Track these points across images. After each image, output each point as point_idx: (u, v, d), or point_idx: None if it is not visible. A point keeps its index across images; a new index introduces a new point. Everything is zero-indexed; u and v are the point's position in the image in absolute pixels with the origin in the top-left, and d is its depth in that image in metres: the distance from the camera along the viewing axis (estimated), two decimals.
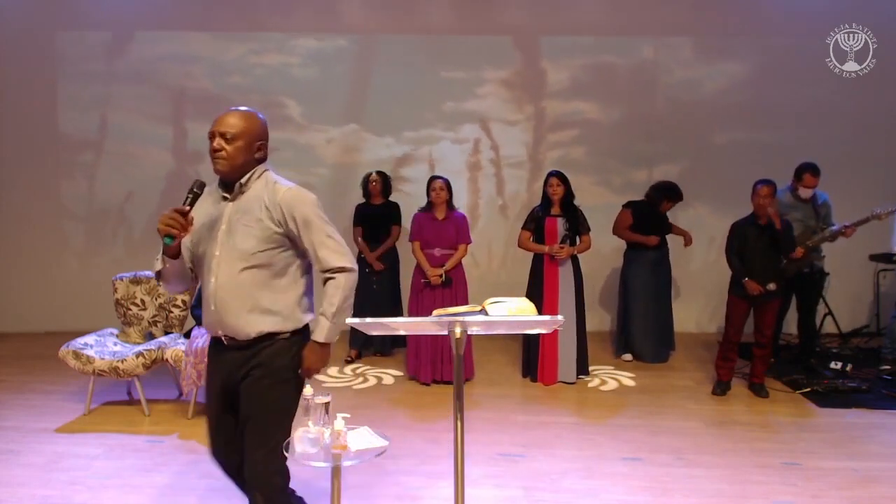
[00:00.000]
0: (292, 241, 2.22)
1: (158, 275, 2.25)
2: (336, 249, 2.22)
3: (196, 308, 4.34)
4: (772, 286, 4.50)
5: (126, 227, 6.69)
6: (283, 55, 6.55)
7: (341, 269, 2.21)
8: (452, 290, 4.84)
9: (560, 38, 6.52)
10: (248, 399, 2.23)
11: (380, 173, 5.62)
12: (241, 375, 2.23)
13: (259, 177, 2.25)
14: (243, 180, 2.22)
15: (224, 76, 6.56)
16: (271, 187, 2.23)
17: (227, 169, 2.17)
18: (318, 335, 2.22)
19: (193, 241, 2.25)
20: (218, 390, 2.31)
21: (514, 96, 6.59)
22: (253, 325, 2.19)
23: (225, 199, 2.23)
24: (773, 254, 4.53)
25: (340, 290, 2.20)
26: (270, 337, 2.21)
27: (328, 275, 2.22)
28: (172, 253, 2.14)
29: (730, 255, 4.64)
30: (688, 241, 5.66)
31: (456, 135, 6.62)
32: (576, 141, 6.59)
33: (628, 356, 5.56)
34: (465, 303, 4.67)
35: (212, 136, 2.18)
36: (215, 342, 2.33)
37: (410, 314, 4.87)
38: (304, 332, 2.30)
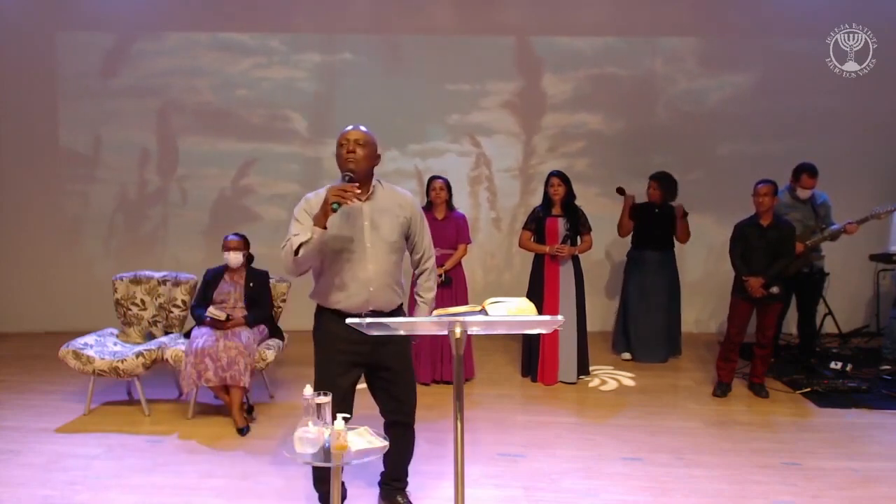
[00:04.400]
0: (409, 234, 2.85)
1: (299, 249, 2.57)
2: (431, 244, 2.98)
3: (197, 308, 4.34)
4: (775, 289, 4.50)
5: (126, 227, 6.69)
6: (288, 69, 6.55)
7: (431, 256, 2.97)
8: (452, 289, 4.84)
9: (563, 49, 6.51)
10: (399, 355, 2.84)
11: None
12: (387, 340, 2.71)
13: (379, 183, 2.80)
14: (373, 184, 2.76)
15: (230, 90, 6.56)
16: (398, 192, 2.85)
17: (357, 168, 2.65)
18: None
19: (334, 233, 2.64)
20: (353, 358, 2.77)
21: (519, 108, 6.58)
22: (395, 299, 2.82)
23: (358, 199, 2.66)
24: (775, 254, 4.53)
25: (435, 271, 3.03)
26: (399, 307, 2.86)
27: (430, 263, 2.95)
28: (325, 224, 2.55)
29: (733, 257, 4.64)
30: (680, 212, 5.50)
31: (461, 147, 6.63)
32: (580, 152, 6.59)
33: (627, 355, 5.57)
34: (465, 303, 4.67)
35: (345, 143, 2.69)
36: (344, 317, 2.59)
37: (410, 314, 4.86)
38: None
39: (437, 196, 4.88)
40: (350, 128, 2.74)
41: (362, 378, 2.88)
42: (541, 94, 6.57)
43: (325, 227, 2.56)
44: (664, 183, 5.44)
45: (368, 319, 2.25)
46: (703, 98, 6.54)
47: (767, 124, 6.48)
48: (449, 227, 4.89)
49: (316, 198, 2.72)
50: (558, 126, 6.60)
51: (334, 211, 2.49)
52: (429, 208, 4.94)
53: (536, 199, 6.52)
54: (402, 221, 2.78)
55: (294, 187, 6.46)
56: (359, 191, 2.57)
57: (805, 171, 4.97)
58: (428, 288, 2.95)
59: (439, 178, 4.96)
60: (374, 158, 2.74)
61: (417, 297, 2.96)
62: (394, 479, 3.06)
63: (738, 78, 6.51)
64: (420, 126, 6.60)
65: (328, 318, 2.78)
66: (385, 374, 2.85)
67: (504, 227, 6.72)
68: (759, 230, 4.55)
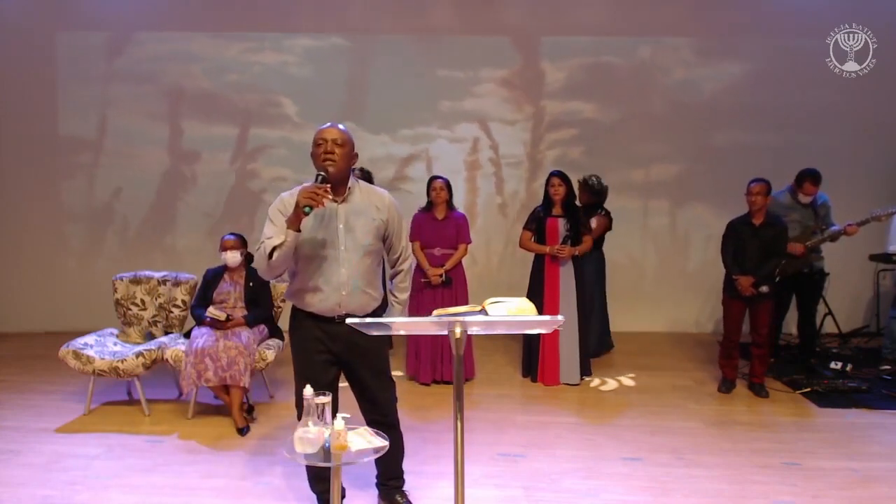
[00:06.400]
0: (386, 236, 2.80)
1: (273, 252, 2.54)
2: (409, 245, 3.00)
3: (197, 308, 4.34)
4: (764, 289, 4.52)
5: (125, 226, 6.69)
6: (279, 53, 6.56)
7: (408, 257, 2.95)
8: (452, 289, 4.83)
9: (559, 37, 6.52)
10: (373, 356, 2.82)
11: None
12: (357, 341, 2.65)
13: (357, 184, 2.74)
14: (350, 185, 2.69)
15: (221, 74, 6.57)
16: (375, 192, 2.79)
17: (335, 170, 2.58)
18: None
19: (308, 236, 2.60)
20: (328, 357, 2.77)
21: (512, 96, 6.59)
22: (369, 303, 2.77)
23: (333, 200, 2.64)
24: (767, 253, 4.55)
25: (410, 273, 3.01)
26: (376, 310, 2.81)
27: (406, 265, 2.92)
28: (298, 227, 2.51)
29: (725, 255, 4.67)
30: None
31: (452, 134, 6.63)
32: (574, 140, 6.59)
33: None
34: (465, 303, 4.66)
35: (322, 143, 2.60)
36: (318, 319, 2.72)
37: (410, 314, 4.86)
38: None
39: (437, 196, 4.87)
40: (327, 126, 2.66)
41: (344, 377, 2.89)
42: (535, 81, 6.57)
43: (298, 230, 2.52)
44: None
45: (368, 320, 2.25)
46: (699, 88, 6.53)
47: (764, 115, 6.48)
48: (449, 227, 4.89)
49: (291, 197, 2.66)
50: (552, 114, 6.60)
51: (306, 214, 2.46)
52: (429, 208, 4.94)
53: (526, 186, 6.58)
54: (377, 224, 2.73)
55: (286, 172, 6.52)
56: (330, 194, 2.51)
57: (808, 179, 4.96)
58: (403, 289, 2.93)
59: (440, 177, 4.96)
60: (351, 158, 2.68)
61: (391, 298, 2.92)
62: (391, 479, 3.06)
63: (735, 68, 6.50)
64: (411, 111, 6.59)
65: (303, 318, 2.77)
66: (358, 375, 2.84)
67: (496, 212, 6.71)
68: (751, 229, 4.57)
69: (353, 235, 2.67)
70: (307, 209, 2.44)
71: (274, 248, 2.53)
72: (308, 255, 2.64)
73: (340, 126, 2.68)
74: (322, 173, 2.54)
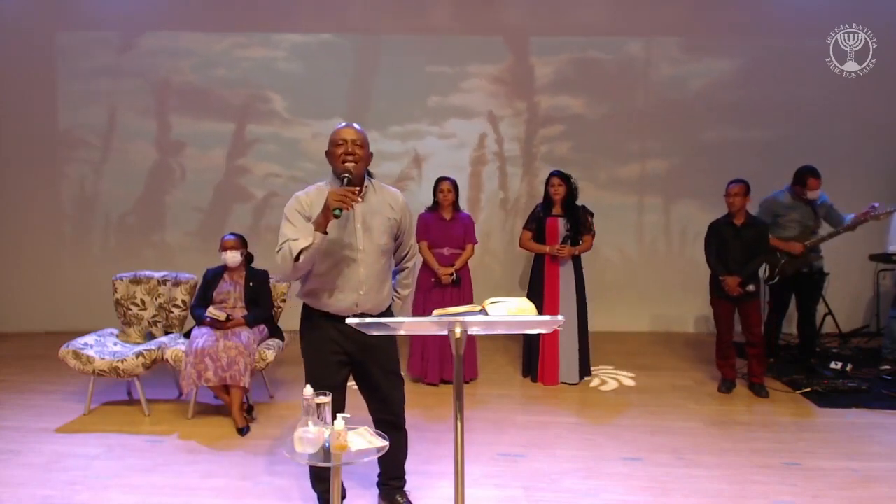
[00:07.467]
0: (398, 234, 2.82)
1: (300, 254, 2.52)
2: (416, 244, 3.09)
3: (197, 308, 4.34)
4: (751, 287, 4.54)
5: (125, 226, 6.69)
6: (268, 49, 6.57)
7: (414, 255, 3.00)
8: (461, 289, 4.84)
9: (549, 35, 6.51)
10: (385, 355, 2.84)
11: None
12: (371, 341, 2.65)
13: (371, 184, 2.76)
14: (365, 184, 2.71)
15: (210, 69, 6.57)
16: (388, 191, 2.81)
17: (357, 170, 2.62)
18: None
19: (329, 236, 2.58)
20: (342, 358, 2.77)
21: (501, 92, 6.60)
22: (383, 303, 2.79)
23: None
24: (750, 253, 4.56)
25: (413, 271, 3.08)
26: (388, 308, 2.85)
27: (412, 262, 2.97)
28: (326, 229, 2.52)
29: (709, 255, 4.70)
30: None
31: (441, 129, 6.62)
32: (562, 136, 6.59)
33: None
34: (471, 303, 4.66)
35: (342, 143, 2.62)
36: (333, 319, 2.71)
37: (416, 314, 4.86)
38: None
39: (444, 197, 4.87)
40: (344, 125, 2.68)
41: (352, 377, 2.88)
42: (523, 77, 6.56)
43: (325, 233, 2.51)
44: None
45: (369, 319, 2.24)
46: (689, 84, 6.53)
47: (755, 112, 6.48)
48: (456, 228, 4.89)
49: (307, 196, 2.67)
50: (540, 109, 6.59)
51: (336, 217, 2.45)
52: (435, 208, 4.94)
53: (517, 182, 6.57)
54: (392, 223, 2.75)
55: (275, 168, 6.55)
56: (359, 198, 2.53)
57: (810, 175, 4.95)
58: (405, 285, 2.96)
59: (447, 178, 4.95)
60: (369, 158, 2.71)
61: (394, 293, 2.92)
62: (392, 479, 3.06)
63: (727, 64, 6.50)
64: (400, 107, 6.59)
65: (317, 319, 2.75)
66: (370, 374, 2.84)
67: (490, 209, 6.72)
68: (733, 229, 4.60)
69: (371, 235, 2.68)
70: (337, 211, 2.44)
71: (301, 251, 2.51)
72: (326, 255, 2.63)
73: (356, 125, 2.69)
74: (347, 175, 2.55)
